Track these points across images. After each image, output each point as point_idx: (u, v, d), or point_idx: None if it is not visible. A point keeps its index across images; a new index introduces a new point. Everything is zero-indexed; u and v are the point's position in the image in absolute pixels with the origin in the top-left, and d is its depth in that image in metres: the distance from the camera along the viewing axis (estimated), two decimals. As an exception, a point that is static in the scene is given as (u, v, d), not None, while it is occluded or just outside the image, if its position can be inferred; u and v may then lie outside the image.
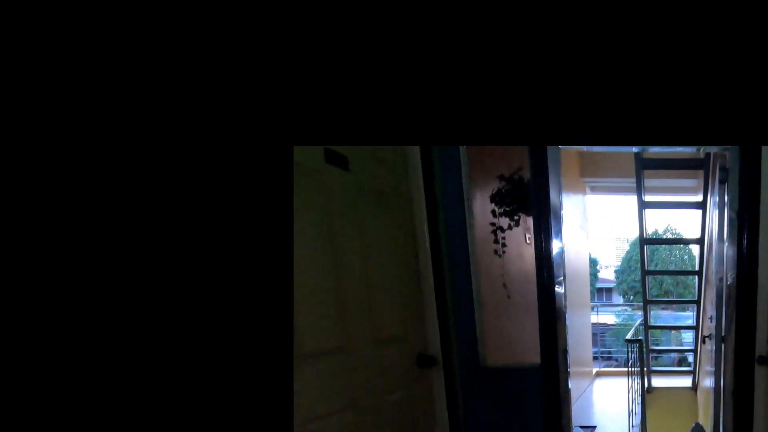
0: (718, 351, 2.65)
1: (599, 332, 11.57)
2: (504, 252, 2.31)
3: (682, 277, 16.16)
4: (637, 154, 4.13)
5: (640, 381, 4.42)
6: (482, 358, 2.37)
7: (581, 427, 4.03)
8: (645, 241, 4.87)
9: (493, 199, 2.27)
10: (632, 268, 17.60)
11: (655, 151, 3.51)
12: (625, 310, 16.97)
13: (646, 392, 4.90)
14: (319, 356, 1.62)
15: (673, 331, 11.70)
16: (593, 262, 15.91)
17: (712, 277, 3.85)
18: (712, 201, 3.93)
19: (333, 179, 1.72)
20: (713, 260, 3.80)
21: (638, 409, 4.30)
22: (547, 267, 2.29)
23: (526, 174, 2.22)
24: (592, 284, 8.77)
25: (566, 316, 2.48)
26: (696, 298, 5.10)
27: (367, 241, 1.88)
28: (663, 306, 14.29)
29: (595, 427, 4.15)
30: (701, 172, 4.48)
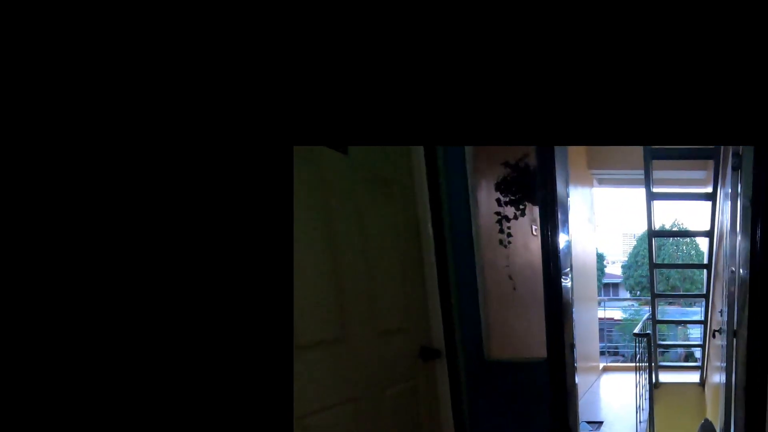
0: (729, 346, 2.59)
1: (606, 327, 11.53)
2: (509, 242, 2.29)
3: (689, 273, 16.11)
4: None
5: (647, 376, 4.36)
6: (487, 351, 2.34)
7: (588, 422, 3.98)
8: (653, 234, 4.79)
9: (498, 187, 2.24)
10: (639, 264, 17.58)
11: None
12: (632, 305, 16.90)
13: (653, 387, 4.84)
14: (315, 347, 1.58)
15: (679, 327, 11.65)
16: (600, 257, 15.84)
17: (722, 271, 3.80)
18: (722, 192, 3.87)
19: (330, 163, 1.67)
20: (723, 253, 3.75)
21: (646, 404, 4.25)
22: (553, 259, 2.24)
23: (532, 161, 2.18)
24: (599, 279, 8.72)
25: (573, 309, 2.44)
26: (704, 293, 5.03)
27: (366, 229, 1.84)
28: (670, 301, 14.21)
29: (602, 422, 4.10)
30: (710, 164, 4.43)
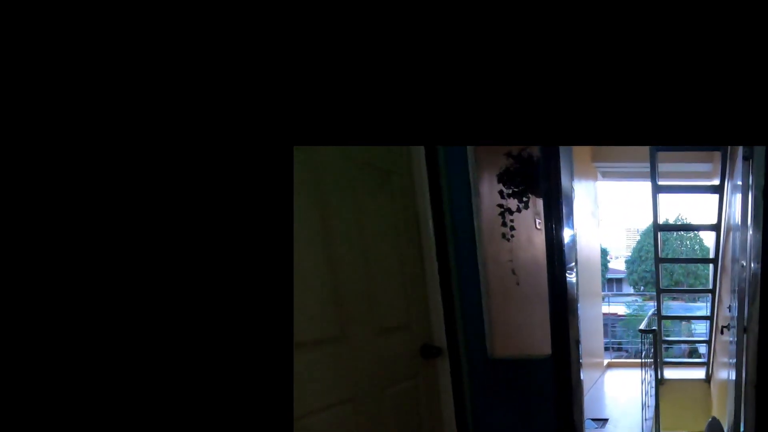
0: (739, 342, 2.53)
1: (610, 323, 11.50)
2: (512, 236, 2.24)
3: (693, 268, 16.14)
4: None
5: (653, 373, 4.32)
6: (490, 348, 2.30)
7: (593, 419, 3.93)
8: (659, 228, 4.74)
9: (501, 178, 2.19)
10: (643, 259, 17.63)
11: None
12: (636, 300, 16.96)
13: (659, 384, 4.80)
14: (312, 346, 1.53)
15: (683, 322, 11.61)
16: (604, 252, 15.85)
17: (729, 265, 3.75)
18: (730, 184, 3.81)
19: (325, 153, 1.61)
20: (730, 247, 3.70)
21: (651, 401, 4.20)
22: (558, 253, 2.21)
23: (536, 151, 2.14)
24: (602, 274, 8.69)
25: (578, 305, 2.40)
26: (711, 288, 4.98)
27: (364, 223, 1.79)
28: (674, 297, 14.22)
29: (607, 419, 4.06)
30: (716, 157, 4.39)
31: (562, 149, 2.16)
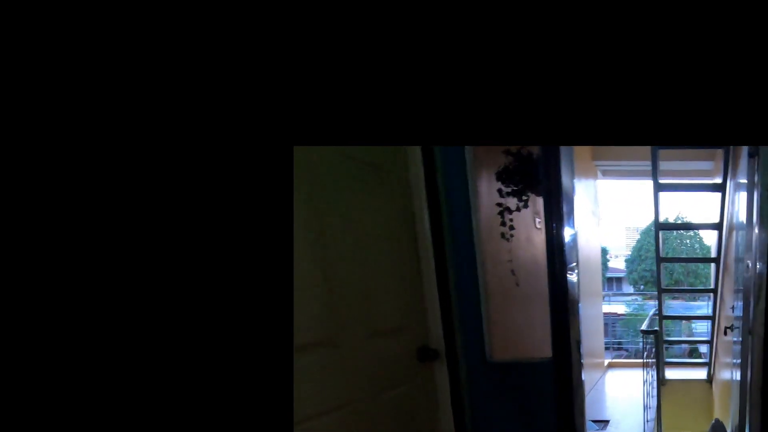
0: (744, 344, 2.49)
1: (610, 322, 11.52)
2: (512, 235, 2.21)
3: (693, 267, 16.17)
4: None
5: (655, 374, 4.29)
6: (489, 351, 2.27)
7: (594, 421, 3.90)
8: (660, 227, 4.70)
9: (500, 176, 2.16)
10: (642, 258, 17.66)
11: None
12: (636, 299, 17.00)
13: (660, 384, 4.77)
14: (304, 350, 1.49)
15: (684, 321, 11.59)
16: (603, 251, 15.86)
17: (732, 265, 3.72)
18: (732, 183, 3.77)
19: (318, 150, 1.57)
20: (733, 246, 3.67)
21: (653, 402, 4.17)
22: (558, 253, 2.17)
23: (535, 149, 2.10)
24: (602, 274, 8.69)
25: (579, 306, 2.36)
26: (713, 287, 4.96)
27: (358, 222, 1.75)
28: (674, 296, 14.21)
29: (608, 421, 4.03)
30: (717, 155, 4.36)
31: (563, 147, 2.11)
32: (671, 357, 6.96)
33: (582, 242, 4.25)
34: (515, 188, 2.15)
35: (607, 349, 7.66)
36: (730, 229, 3.99)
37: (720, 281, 4.69)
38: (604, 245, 16.47)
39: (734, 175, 3.63)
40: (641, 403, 4.08)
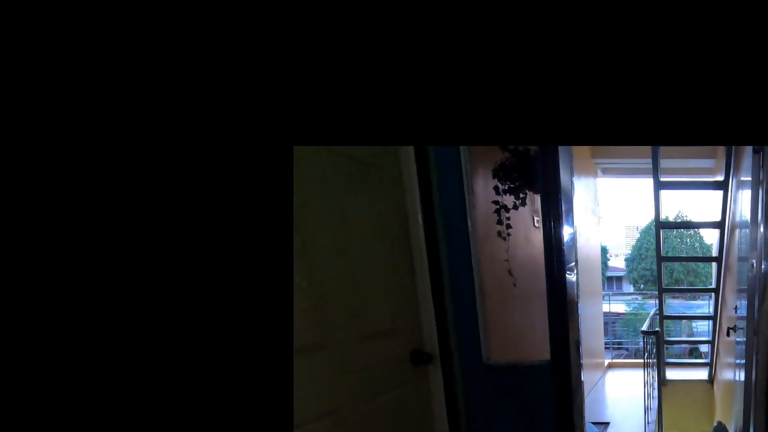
0: (749, 345, 2.44)
1: (610, 321, 11.49)
2: (509, 235, 2.16)
3: (693, 266, 16.23)
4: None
5: (656, 375, 4.25)
6: (485, 353, 2.22)
7: (594, 423, 3.85)
8: (661, 225, 4.66)
9: (496, 173, 2.11)
10: (642, 257, 17.71)
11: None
12: (636, 299, 17.04)
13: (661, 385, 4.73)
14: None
15: (684, 321, 11.59)
16: (603, 250, 15.86)
17: (734, 264, 3.67)
18: (735, 181, 3.72)
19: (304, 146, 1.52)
20: (735, 245, 3.63)
21: (654, 404, 4.12)
22: (557, 252, 2.12)
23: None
24: (602, 273, 8.68)
25: (578, 306, 2.32)
26: (713, 287, 4.92)
27: (347, 221, 1.72)
28: (674, 295, 14.21)
29: (608, 423, 3.98)
30: (719, 152, 4.33)
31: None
32: (671, 357, 6.94)
33: (581, 241, 4.22)
34: (512, 186, 2.11)
35: (606, 348, 7.65)
36: (733, 227, 3.95)
37: (722, 280, 4.65)
38: (603, 244, 16.50)
39: (737, 173, 3.58)
40: (642, 404, 4.04)
